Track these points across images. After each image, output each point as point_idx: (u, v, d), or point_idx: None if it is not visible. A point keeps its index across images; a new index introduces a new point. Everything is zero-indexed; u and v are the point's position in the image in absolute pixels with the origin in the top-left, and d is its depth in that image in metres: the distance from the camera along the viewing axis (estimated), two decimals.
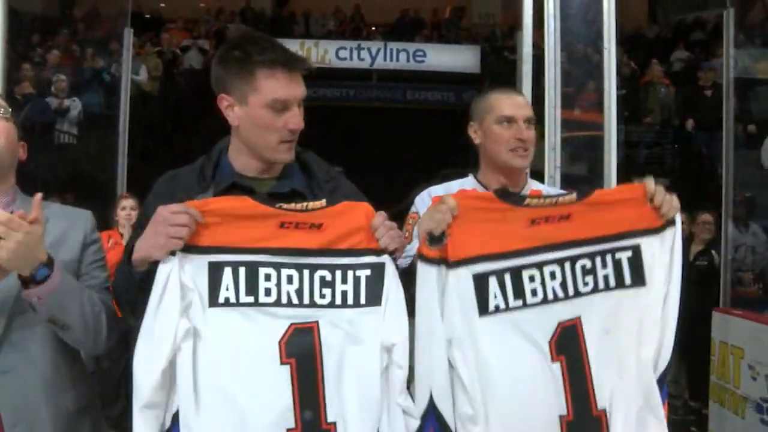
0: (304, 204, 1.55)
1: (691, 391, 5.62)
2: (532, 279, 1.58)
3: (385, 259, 1.57)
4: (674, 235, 1.65)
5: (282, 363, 1.50)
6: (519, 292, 1.58)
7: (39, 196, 1.49)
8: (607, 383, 1.60)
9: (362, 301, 1.56)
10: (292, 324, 1.52)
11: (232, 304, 1.50)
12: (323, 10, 15.16)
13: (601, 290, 1.62)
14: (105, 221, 6.17)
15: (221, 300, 1.50)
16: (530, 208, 1.59)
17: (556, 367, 1.58)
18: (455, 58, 13.43)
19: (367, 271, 1.56)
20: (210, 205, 1.51)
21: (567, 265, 1.60)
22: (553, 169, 4.01)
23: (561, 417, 1.58)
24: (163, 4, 15.53)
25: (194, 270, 1.49)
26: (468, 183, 2.05)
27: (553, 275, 1.59)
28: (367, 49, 13.33)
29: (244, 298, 1.51)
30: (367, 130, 11.72)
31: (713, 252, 5.59)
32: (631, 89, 9.75)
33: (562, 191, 1.72)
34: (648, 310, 1.64)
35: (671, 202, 1.64)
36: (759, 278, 5.62)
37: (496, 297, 1.56)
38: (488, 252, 1.56)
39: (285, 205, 1.54)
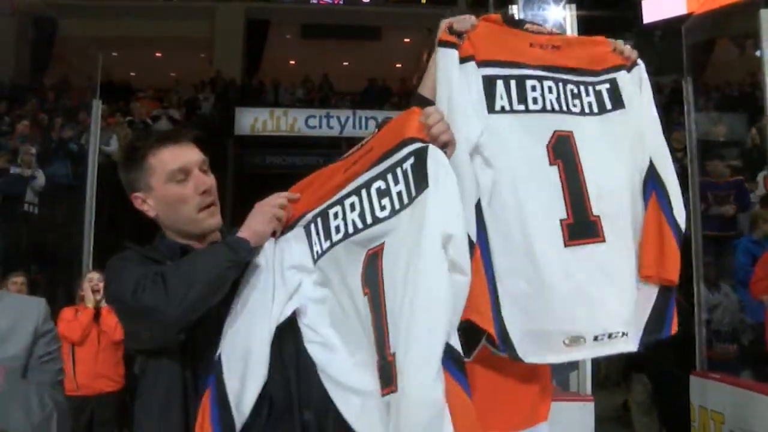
0: (361, 143, 1.60)
1: None
2: (533, 89, 1.78)
3: (427, 144, 1.46)
4: (640, 71, 1.89)
5: (363, 294, 1.48)
6: (522, 98, 1.77)
7: None
8: (601, 191, 1.76)
9: (413, 194, 1.44)
10: (367, 251, 1.50)
11: (321, 255, 1.57)
12: (292, 79, 15.42)
13: (587, 114, 1.84)
14: (70, 294, 6.02)
15: (315, 256, 1.58)
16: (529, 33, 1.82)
17: (554, 170, 1.74)
18: None
19: (411, 160, 1.46)
20: (303, 184, 1.64)
21: (560, 85, 1.81)
22: None
23: (561, 220, 1.70)
24: (133, 74, 15.67)
25: (295, 242, 1.59)
26: None
27: (550, 89, 1.79)
28: (336, 117, 13.53)
29: (325, 245, 1.57)
30: None
31: None
32: None
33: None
34: (631, 128, 1.82)
35: (629, 48, 1.88)
36: (734, 338, 5.63)
37: (502, 98, 1.75)
38: (497, 59, 1.77)
39: (346, 154, 1.61)
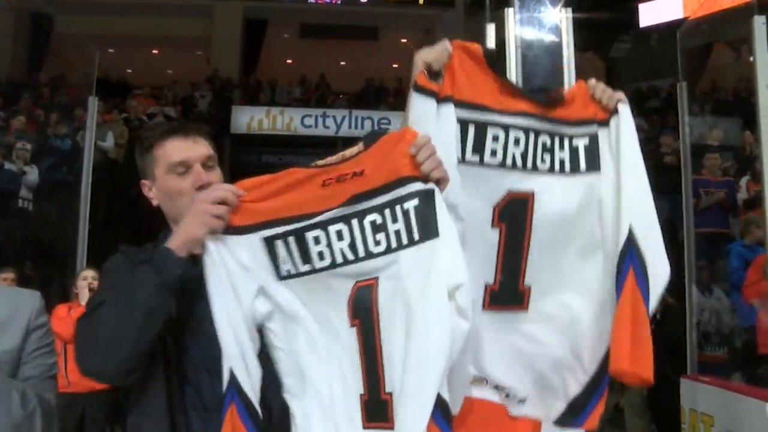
0: (341, 154, 1.48)
1: None
2: (495, 139, 1.57)
3: (432, 186, 1.39)
4: (618, 121, 1.61)
5: (350, 325, 1.43)
6: (479, 148, 1.56)
7: None
8: (540, 260, 1.58)
9: (416, 237, 1.39)
10: (356, 282, 1.43)
11: (294, 276, 1.47)
12: (289, 78, 15.42)
13: (555, 172, 1.60)
14: (64, 290, 6.01)
15: (284, 273, 1.47)
16: None
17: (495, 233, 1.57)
18: None
19: (415, 201, 1.39)
20: (250, 183, 1.50)
21: (532, 136, 1.58)
22: None
23: (487, 285, 1.56)
24: (129, 71, 15.65)
25: (251, 250, 1.46)
26: None
27: (517, 141, 1.56)
28: (333, 117, 13.53)
29: (303, 267, 1.46)
30: None
31: (658, 316, 5.63)
32: None
33: None
34: (602, 194, 1.60)
35: (610, 93, 1.62)
36: (724, 342, 5.67)
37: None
38: (470, 100, 1.55)
39: (320, 162, 1.49)
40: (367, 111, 13.67)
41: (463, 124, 1.54)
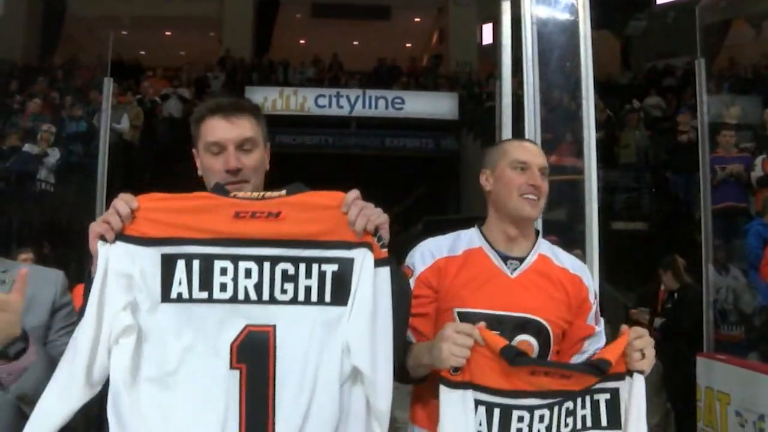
0: (260, 193, 1.47)
1: None
2: (520, 420, 1.58)
3: (355, 254, 1.43)
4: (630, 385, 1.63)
5: (232, 368, 1.39)
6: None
7: (25, 270, 1.43)
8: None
9: (327, 299, 1.42)
10: (247, 326, 1.40)
11: (185, 300, 1.40)
12: (302, 59, 15.37)
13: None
14: (80, 271, 6.07)
15: (173, 295, 1.40)
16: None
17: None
18: (433, 104, 13.63)
19: (334, 266, 1.42)
20: (159, 196, 1.45)
21: (555, 409, 1.60)
22: None
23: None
24: (143, 52, 15.67)
25: (146, 263, 1.39)
26: (473, 236, 1.93)
27: (541, 418, 1.58)
28: (346, 97, 13.50)
29: (198, 294, 1.40)
30: (346, 177, 11.77)
31: (676, 295, 5.61)
32: (606, 134, 9.91)
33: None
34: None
35: (640, 352, 1.64)
36: (742, 321, 5.64)
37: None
38: (495, 386, 1.56)
39: (239, 194, 1.47)
40: (380, 90, 13.62)
41: (489, 407, 1.56)
